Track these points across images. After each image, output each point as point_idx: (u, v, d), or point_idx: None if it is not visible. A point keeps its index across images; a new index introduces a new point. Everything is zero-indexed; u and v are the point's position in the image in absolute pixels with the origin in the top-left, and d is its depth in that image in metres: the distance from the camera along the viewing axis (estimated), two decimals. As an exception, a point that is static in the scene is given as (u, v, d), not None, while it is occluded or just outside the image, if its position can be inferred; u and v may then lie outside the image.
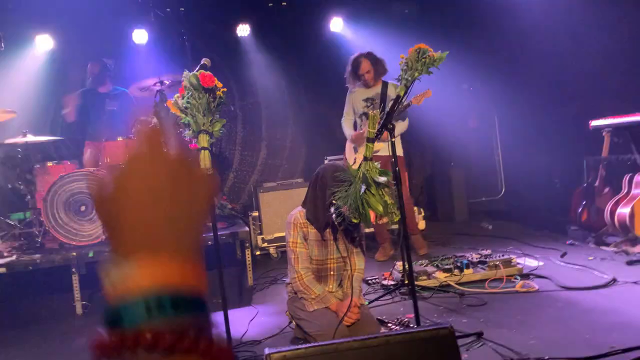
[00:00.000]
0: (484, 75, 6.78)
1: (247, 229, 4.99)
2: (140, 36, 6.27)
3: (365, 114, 4.99)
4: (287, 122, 7.30)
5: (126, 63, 6.31)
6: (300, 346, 2.08)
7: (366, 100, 5.08)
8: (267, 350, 2.04)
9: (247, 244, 4.84)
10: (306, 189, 3.36)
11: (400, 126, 4.93)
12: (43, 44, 6.01)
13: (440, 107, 5.98)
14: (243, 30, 6.55)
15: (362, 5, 6.81)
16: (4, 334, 4.13)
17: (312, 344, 2.11)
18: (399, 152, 5.10)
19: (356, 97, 5.20)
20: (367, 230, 5.56)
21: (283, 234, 5.92)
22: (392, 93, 4.97)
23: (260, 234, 6.07)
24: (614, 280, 3.84)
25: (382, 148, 4.95)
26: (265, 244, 6.03)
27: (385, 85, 5.03)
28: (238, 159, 7.25)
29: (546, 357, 2.69)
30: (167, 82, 5.18)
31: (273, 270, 5.30)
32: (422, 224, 6.05)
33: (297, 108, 7.21)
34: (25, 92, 5.82)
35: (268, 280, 4.96)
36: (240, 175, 7.31)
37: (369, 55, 5.04)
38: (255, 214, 6.16)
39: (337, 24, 6.79)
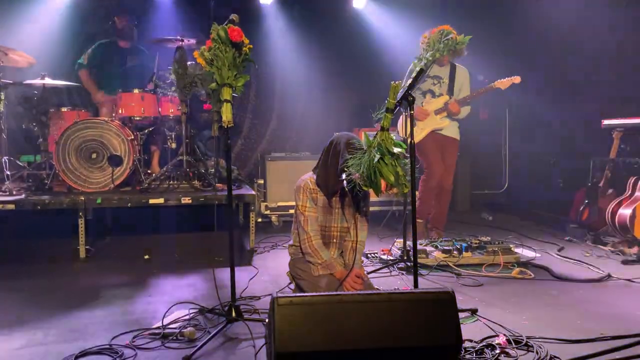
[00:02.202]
0: (501, 68, 6.78)
1: (253, 192, 5.05)
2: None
3: (431, 92, 4.96)
4: (300, 95, 7.31)
5: (147, 19, 6.33)
6: (306, 294, 2.16)
7: (434, 77, 4.95)
8: (274, 294, 2.11)
9: (252, 208, 4.91)
10: (313, 162, 3.42)
11: (465, 110, 4.97)
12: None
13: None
14: (266, -4, 6.55)
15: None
16: (8, 268, 4.22)
17: (318, 294, 2.19)
18: (457, 135, 5.09)
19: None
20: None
21: (286, 203, 6.08)
22: (460, 76, 4.95)
23: (264, 201, 6.15)
24: (609, 276, 3.91)
25: (446, 127, 4.97)
26: (268, 212, 6.11)
27: (454, 67, 4.96)
28: (247, 127, 7.29)
29: (537, 337, 2.77)
30: (188, 41, 5.18)
31: (273, 237, 5.39)
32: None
33: (311, 82, 7.22)
34: (47, 37, 5.84)
35: (268, 245, 5.06)
36: (248, 143, 7.36)
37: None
38: (261, 181, 6.24)
39: (360, 1, 6.79)
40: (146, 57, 5.80)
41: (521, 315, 3.14)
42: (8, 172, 4.94)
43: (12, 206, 4.43)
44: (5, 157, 4.95)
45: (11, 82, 5.06)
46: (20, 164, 5.20)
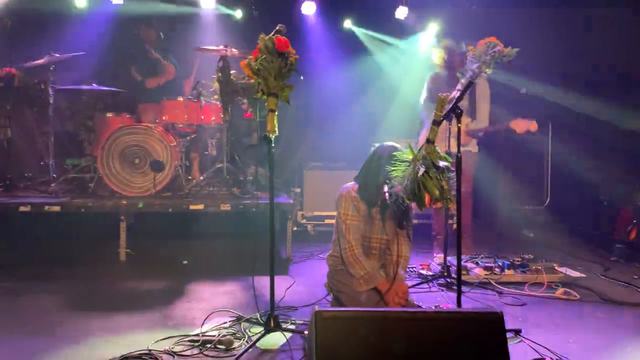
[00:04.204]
0: (544, 80, 6.65)
1: (290, 201, 5.05)
2: (208, 2, 6.36)
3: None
4: (339, 105, 7.30)
5: (191, 27, 6.44)
6: (349, 308, 2.12)
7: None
8: (317, 307, 2.08)
9: (289, 217, 4.90)
10: (351, 172, 3.39)
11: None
12: (114, -2, 6.18)
13: (495, 109, 5.88)
14: (309, 7, 6.57)
15: (429, -4, 6.75)
16: (51, 269, 4.32)
17: (362, 309, 2.15)
18: (474, 147, 4.98)
19: (442, 82, 4.81)
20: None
21: (322, 213, 6.05)
22: (482, 93, 4.81)
23: (301, 210, 6.14)
24: (660, 301, 3.75)
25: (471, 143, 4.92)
26: (304, 220, 6.09)
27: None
28: (285, 135, 7.29)
29: (586, 362, 2.66)
30: (232, 50, 5.23)
31: (309, 247, 5.37)
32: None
33: (351, 93, 7.21)
34: (95, 43, 5.99)
35: (305, 254, 5.04)
36: (286, 151, 7.36)
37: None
38: (297, 190, 6.23)
39: (402, 12, 6.74)
40: (176, 64, 5.93)
41: (567, 337, 3.03)
42: (54, 175, 5.08)
43: (57, 208, 4.54)
44: (52, 160, 5.09)
45: (60, 87, 5.22)
46: (66, 167, 5.33)
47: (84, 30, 6.11)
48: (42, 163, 5.16)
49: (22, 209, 4.50)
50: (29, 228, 5.11)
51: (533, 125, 4.50)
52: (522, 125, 4.50)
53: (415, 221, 5.73)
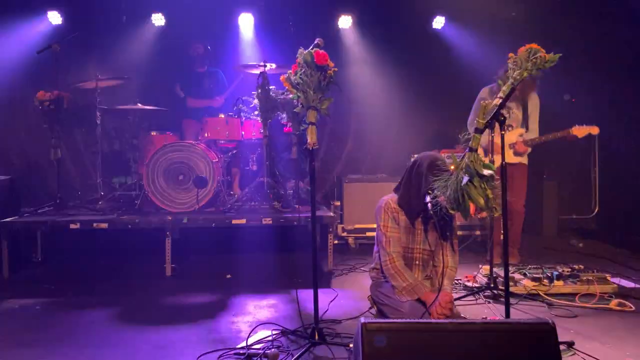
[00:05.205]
0: (589, 86, 6.47)
1: (331, 214, 5.05)
2: (245, 20, 6.50)
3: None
4: (377, 117, 7.29)
5: (230, 46, 6.58)
6: (395, 320, 2.10)
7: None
8: (362, 319, 2.07)
9: (330, 230, 4.90)
10: (391, 184, 3.35)
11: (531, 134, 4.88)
12: (157, 21, 6.39)
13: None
14: (345, 21, 6.63)
15: (466, 5, 6.69)
16: (100, 284, 4.44)
17: (407, 320, 2.12)
18: (524, 160, 4.97)
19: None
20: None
21: (363, 225, 6.03)
22: (533, 104, 4.87)
23: (341, 223, 6.12)
24: None
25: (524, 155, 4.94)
26: (345, 234, 6.07)
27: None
28: (324, 149, 7.34)
29: (645, 376, 2.54)
30: (270, 67, 5.31)
31: (350, 259, 5.34)
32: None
33: (388, 105, 7.19)
34: (138, 64, 6.21)
35: (346, 267, 5.01)
36: (325, 165, 7.39)
37: None
38: (337, 203, 6.22)
39: (439, 22, 6.72)
40: (221, 77, 6.08)
41: (624, 350, 2.90)
42: (102, 193, 5.24)
43: (105, 225, 4.67)
44: (99, 179, 5.26)
45: (106, 107, 5.41)
46: (113, 185, 5.50)
47: (130, 50, 6.35)
48: (90, 182, 5.34)
49: (71, 226, 4.65)
50: (79, 244, 5.29)
51: (594, 129, 4.63)
52: (584, 130, 4.64)
53: (460, 232, 5.70)
